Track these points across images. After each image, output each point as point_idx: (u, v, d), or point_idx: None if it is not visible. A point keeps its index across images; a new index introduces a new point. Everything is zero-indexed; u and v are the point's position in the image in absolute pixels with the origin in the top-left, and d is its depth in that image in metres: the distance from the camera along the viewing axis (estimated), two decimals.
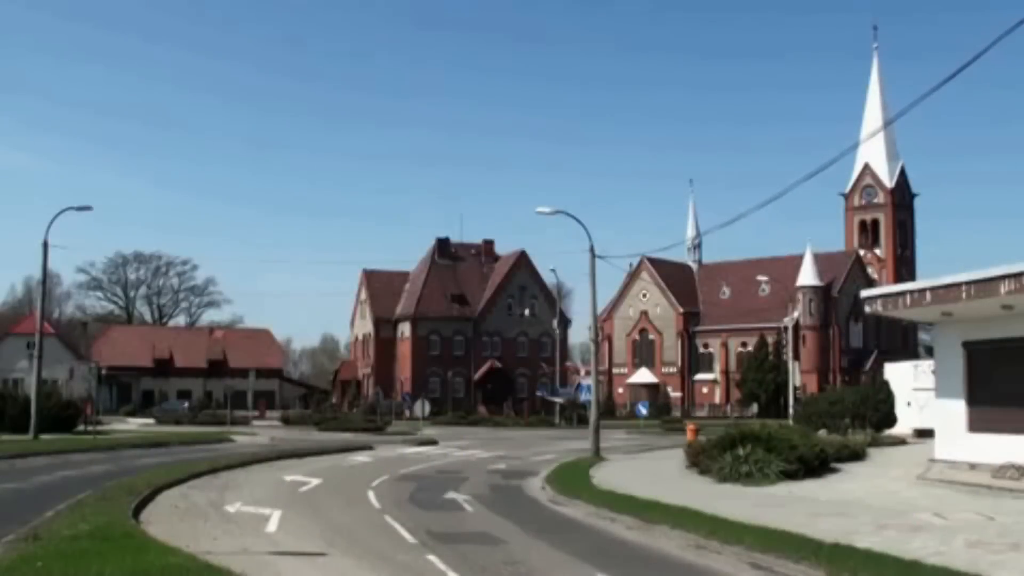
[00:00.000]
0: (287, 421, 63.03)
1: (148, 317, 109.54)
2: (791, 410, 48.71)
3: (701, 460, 24.34)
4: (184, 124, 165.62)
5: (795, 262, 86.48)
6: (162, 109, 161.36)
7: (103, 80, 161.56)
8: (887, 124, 78.68)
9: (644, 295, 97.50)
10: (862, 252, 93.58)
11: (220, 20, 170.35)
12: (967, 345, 21.55)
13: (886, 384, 41.35)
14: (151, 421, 61.82)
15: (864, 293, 23.90)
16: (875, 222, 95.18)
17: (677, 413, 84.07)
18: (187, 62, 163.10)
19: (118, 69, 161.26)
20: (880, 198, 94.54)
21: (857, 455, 27.69)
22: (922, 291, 20.80)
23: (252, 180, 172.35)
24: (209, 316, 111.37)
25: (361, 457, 33.71)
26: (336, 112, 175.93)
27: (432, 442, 43.20)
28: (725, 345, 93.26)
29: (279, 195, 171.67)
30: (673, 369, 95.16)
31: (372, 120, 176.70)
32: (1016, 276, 17.89)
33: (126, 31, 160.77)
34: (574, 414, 63.34)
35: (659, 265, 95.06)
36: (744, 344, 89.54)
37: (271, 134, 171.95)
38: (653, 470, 26.71)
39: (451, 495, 20.83)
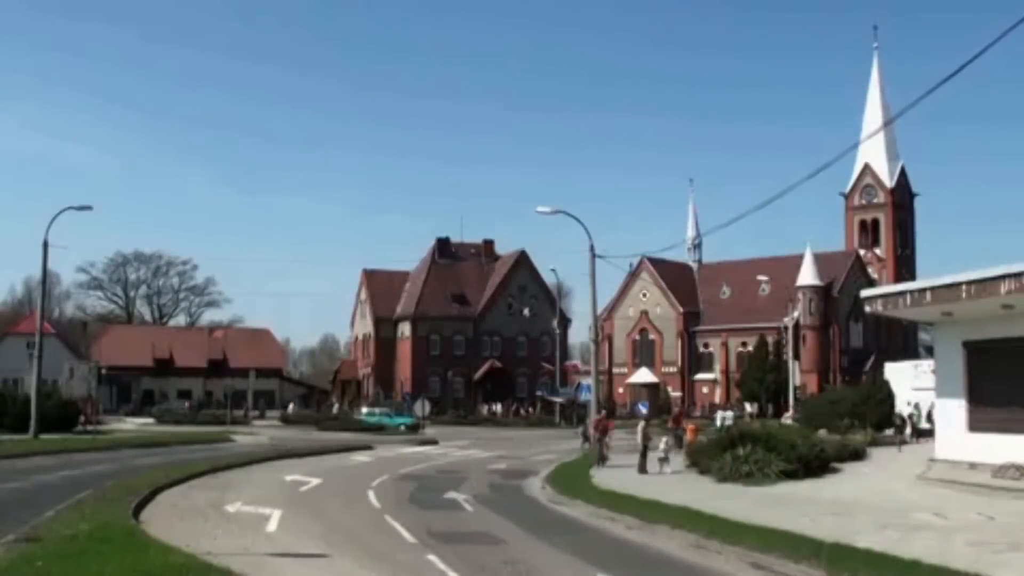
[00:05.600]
0: (287, 421, 63.09)
1: (148, 317, 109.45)
2: (790, 410, 48.75)
3: (701, 460, 24.37)
4: (184, 119, 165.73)
5: (795, 262, 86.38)
6: (162, 104, 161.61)
7: (106, 74, 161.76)
8: (887, 123, 78.71)
9: (644, 295, 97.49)
10: (862, 252, 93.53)
11: (228, 15, 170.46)
12: (967, 345, 21.55)
13: (886, 384, 41.41)
14: (151, 421, 61.82)
15: (864, 293, 23.92)
16: (875, 222, 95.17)
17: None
18: (188, 57, 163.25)
19: (119, 63, 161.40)
20: (880, 198, 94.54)
21: (857, 455, 27.71)
22: (922, 291, 20.82)
23: (252, 179, 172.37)
24: (209, 316, 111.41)
25: (361, 457, 33.74)
26: (336, 110, 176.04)
27: (432, 442, 43.23)
28: (725, 345, 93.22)
29: (279, 194, 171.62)
30: (673, 369, 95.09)
31: (372, 118, 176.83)
32: (1016, 276, 17.90)
33: (130, 25, 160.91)
34: (574, 414, 63.35)
35: (659, 265, 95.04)
36: (744, 344, 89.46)
37: (270, 132, 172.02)
38: (653, 469, 26.68)
39: (451, 495, 20.85)
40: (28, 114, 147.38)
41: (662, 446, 26.21)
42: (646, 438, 26.48)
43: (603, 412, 31.14)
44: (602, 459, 27.68)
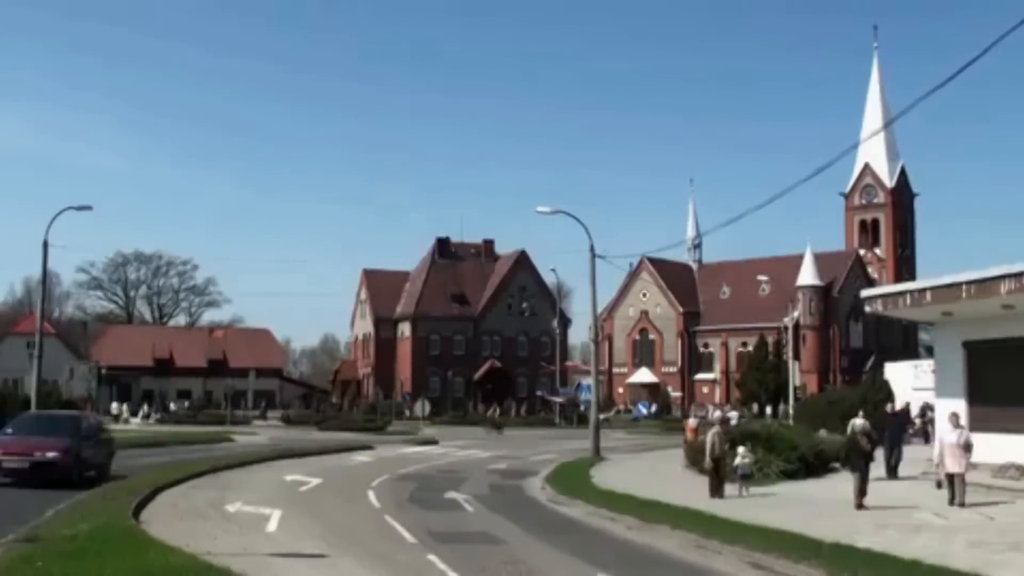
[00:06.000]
0: (287, 421, 63.12)
1: (148, 317, 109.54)
2: (790, 410, 48.72)
3: (701, 460, 24.35)
4: (184, 118, 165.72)
5: (795, 262, 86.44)
6: (162, 103, 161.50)
7: (102, 72, 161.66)
8: (887, 124, 78.70)
9: (644, 295, 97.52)
10: (862, 252, 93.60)
11: (230, 13, 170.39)
12: (967, 345, 21.56)
13: (886, 384, 41.37)
14: (151, 421, 61.83)
15: (864, 293, 23.94)
16: (875, 222, 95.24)
17: (677, 413, 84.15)
18: (188, 56, 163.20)
19: (118, 62, 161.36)
20: (880, 198, 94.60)
21: None
22: (922, 291, 20.84)
23: (252, 178, 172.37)
24: (209, 316, 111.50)
25: (361, 457, 33.73)
26: (336, 109, 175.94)
27: (432, 442, 43.22)
28: (725, 345, 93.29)
29: (279, 193, 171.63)
30: (673, 369, 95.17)
31: (372, 117, 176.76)
32: (1016, 276, 17.92)
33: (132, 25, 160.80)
34: (574, 414, 63.37)
35: (659, 265, 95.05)
36: (744, 344, 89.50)
37: (269, 129, 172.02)
38: (653, 470, 26.71)
39: (451, 495, 20.84)
40: (28, 112, 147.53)
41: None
42: (718, 449, 19.74)
43: (719, 413, 24.31)
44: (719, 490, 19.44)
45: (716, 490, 19.29)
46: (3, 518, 14.22)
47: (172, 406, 68.20)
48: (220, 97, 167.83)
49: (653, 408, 79.07)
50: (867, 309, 23.62)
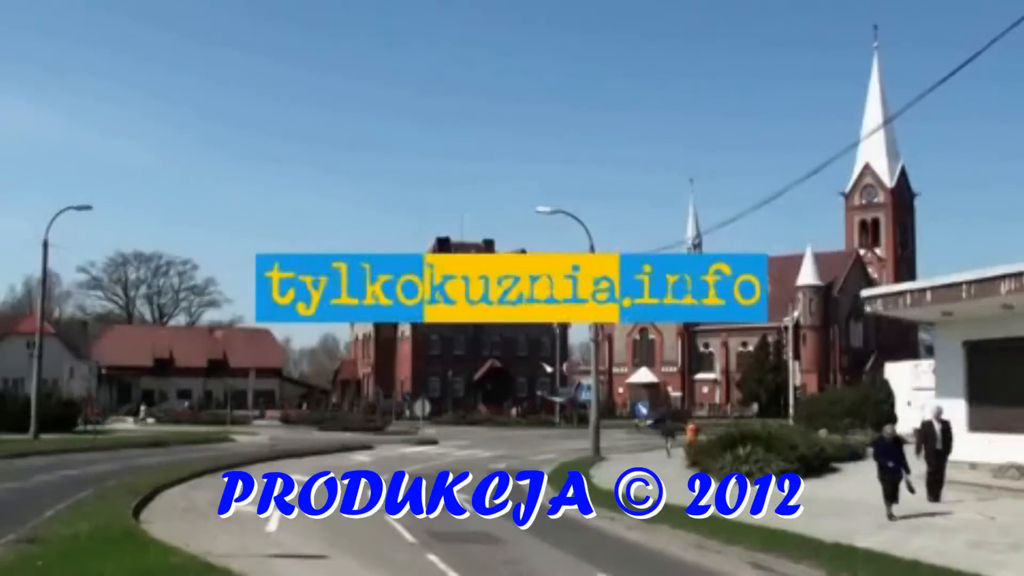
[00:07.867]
0: (287, 421, 63.10)
1: (148, 317, 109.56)
2: (791, 410, 48.76)
3: (701, 459, 24.35)
4: (185, 115, 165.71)
5: (795, 262, 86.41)
6: (164, 100, 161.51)
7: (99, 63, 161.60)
8: (887, 122, 78.68)
9: None
10: (862, 252, 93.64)
11: (221, 6, 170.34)
12: (967, 345, 21.55)
13: (886, 384, 41.40)
14: (151, 420, 61.88)
15: (864, 293, 23.94)
16: (875, 222, 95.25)
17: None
18: (196, 51, 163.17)
19: (119, 55, 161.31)
20: (880, 198, 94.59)
21: (857, 455, 27.69)
22: (922, 291, 20.85)
23: (252, 177, 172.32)
24: (209, 316, 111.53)
25: (361, 457, 33.75)
26: (337, 106, 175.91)
27: (432, 442, 43.23)
28: (725, 345, 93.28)
29: (279, 192, 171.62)
30: (673, 369, 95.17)
31: (372, 116, 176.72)
32: (1016, 276, 17.92)
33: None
34: (574, 414, 63.32)
35: None
36: (744, 344, 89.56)
37: (270, 127, 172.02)
38: (653, 470, 26.68)
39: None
40: (29, 109, 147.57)
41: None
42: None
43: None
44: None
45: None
46: (3, 518, 14.23)
47: (143, 409, 66.70)
48: (218, 94, 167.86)
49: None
50: (867, 309, 23.62)
